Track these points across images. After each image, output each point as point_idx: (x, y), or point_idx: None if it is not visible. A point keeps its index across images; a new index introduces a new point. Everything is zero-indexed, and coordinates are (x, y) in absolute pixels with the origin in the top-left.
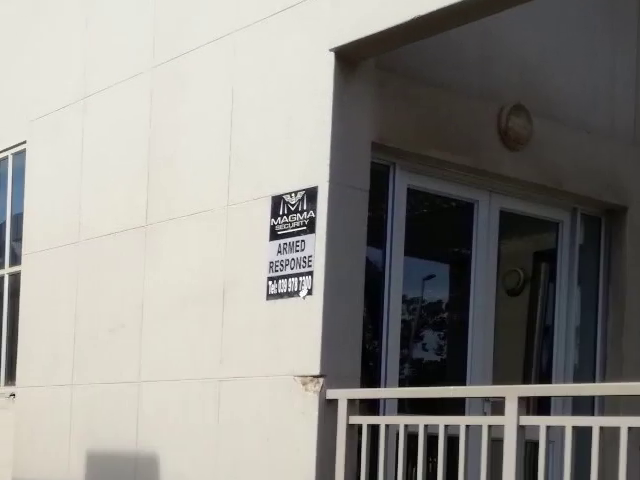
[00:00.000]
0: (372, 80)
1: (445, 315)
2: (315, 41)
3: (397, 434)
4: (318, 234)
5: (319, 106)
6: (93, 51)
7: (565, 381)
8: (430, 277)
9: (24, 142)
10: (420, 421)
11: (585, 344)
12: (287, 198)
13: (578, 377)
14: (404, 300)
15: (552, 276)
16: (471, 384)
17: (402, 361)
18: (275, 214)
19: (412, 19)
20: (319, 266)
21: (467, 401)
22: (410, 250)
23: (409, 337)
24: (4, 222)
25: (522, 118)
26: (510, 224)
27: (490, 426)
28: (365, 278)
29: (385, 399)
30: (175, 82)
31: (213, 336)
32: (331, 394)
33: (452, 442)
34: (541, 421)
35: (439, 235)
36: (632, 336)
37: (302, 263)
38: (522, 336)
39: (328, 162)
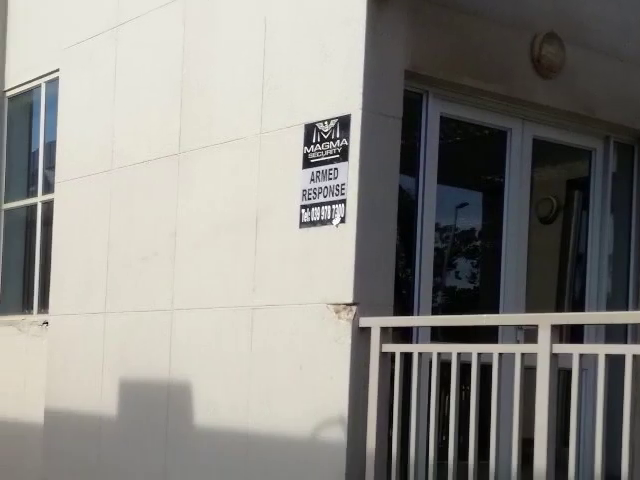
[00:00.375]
0: (405, 8)
1: (478, 243)
2: None
3: (430, 362)
4: (351, 162)
5: (352, 34)
6: None
7: (598, 309)
8: (463, 205)
9: (57, 70)
10: (453, 349)
11: (618, 272)
12: (320, 126)
13: (611, 305)
14: (437, 228)
15: (585, 204)
16: (504, 312)
17: (435, 289)
18: (308, 142)
19: None
20: (352, 194)
21: (500, 329)
22: (443, 178)
23: (442, 265)
24: (37, 150)
25: (555, 46)
26: (543, 152)
27: (523, 354)
28: (398, 206)
29: (418, 327)
30: (208, 10)
31: (246, 264)
32: (364, 322)
33: (485, 370)
34: (574, 349)
35: (472, 163)
36: None
37: (335, 191)
38: (555, 264)
39: (361, 90)
